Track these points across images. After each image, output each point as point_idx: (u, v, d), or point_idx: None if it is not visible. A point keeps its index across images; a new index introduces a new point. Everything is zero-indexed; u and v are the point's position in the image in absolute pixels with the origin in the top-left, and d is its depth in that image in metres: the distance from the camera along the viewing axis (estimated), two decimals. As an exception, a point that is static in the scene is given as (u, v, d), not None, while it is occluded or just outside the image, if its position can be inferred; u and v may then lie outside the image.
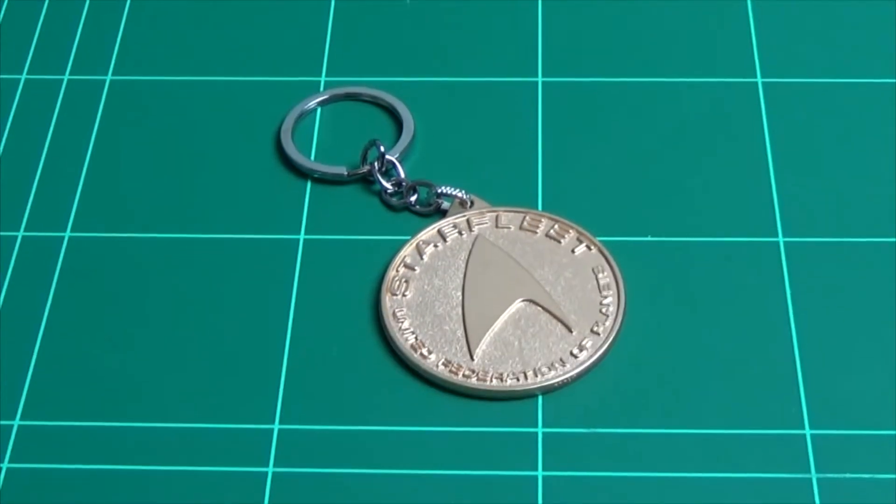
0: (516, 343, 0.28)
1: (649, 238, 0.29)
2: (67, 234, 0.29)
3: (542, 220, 0.29)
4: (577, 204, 0.30)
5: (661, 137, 0.31)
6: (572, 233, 0.29)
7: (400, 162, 0.30)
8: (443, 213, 0.30)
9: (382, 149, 0.30)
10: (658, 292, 0.28)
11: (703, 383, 0.27)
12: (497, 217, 0.30)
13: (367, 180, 0.30)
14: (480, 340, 0.28)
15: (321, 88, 0.32)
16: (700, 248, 0.29)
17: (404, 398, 0.27)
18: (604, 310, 0.28)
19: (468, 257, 0.29)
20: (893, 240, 0.29)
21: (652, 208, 0.30)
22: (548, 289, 0.28)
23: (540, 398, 0.27)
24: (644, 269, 0.29)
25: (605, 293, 0.28)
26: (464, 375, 0.27)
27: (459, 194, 0.30)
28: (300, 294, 0.29)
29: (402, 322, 0.28)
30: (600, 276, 0.28)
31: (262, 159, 0.31)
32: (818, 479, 0.25)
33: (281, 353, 0.28)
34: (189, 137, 0.31)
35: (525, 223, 0.29)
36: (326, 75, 0.32)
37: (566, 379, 0.27)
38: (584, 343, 0.27)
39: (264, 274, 0.29)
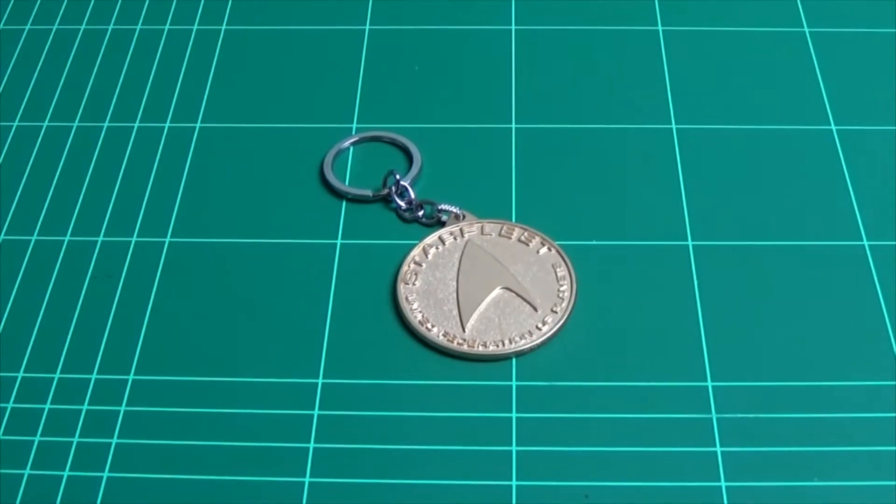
0: (496, 319, 0.28)
1: (594, 242, 0.29)
2: (168, 239, 0.29)
3: (515, 228, 0.29)
4: (541, 217, 0.30)
5: (603, 168, 0.31)
6: (538, 238, 0.29)
7: (411, 186, 0.30)
8: (443, 224, 0.30)
9: (398, 176, 0.30)
10: (600, 282, 0.28)
11: (632, 349, 0.27)
12: (482, 227, 0.30)
13: (386, 200, 0.30)
14: (470, 317, 0.28)
15: (353, 132, 0.32)
16: (630, 249, 0.29)
17: (413, 360, 0.27)
18: (561, 294, 0.28)
19: (461, 256, 0.29)
20: (779, 243, 0.28)
21: (597, 220, 0.30)
22: (520, 279, 0.28)
23: (514, 360, 0.27)
24: (590, 265, 0.29)
25: (561, 283, 0.28)
26: (458, 343, 0.27)
27: (455, 210, 0.30)
28: (338, 285, 0.28)
29: (413, 304, 0.28)
30: (558, 270, 0.29)
31: (310, 185, 0.31)
32: (717, 419, 0.25)
33: (323, 329, 0.28)
34: (256, 169, 0.31)
35: (503, 231, 0.29)
36: (357, 122, 0.32)
37: (533, 346, 0.27)
38: (546, 319, 0.28)
39: (311, 270, 0.29)
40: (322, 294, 0.28)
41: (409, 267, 0.29)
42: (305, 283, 0.29)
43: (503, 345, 0.27)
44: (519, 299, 0.28)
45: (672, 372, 0.26)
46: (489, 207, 0.30)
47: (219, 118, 0.32)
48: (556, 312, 0.28)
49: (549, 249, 0.29)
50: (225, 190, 0.31)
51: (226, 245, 0.29)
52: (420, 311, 0.28)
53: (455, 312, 0.28)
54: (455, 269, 0.29)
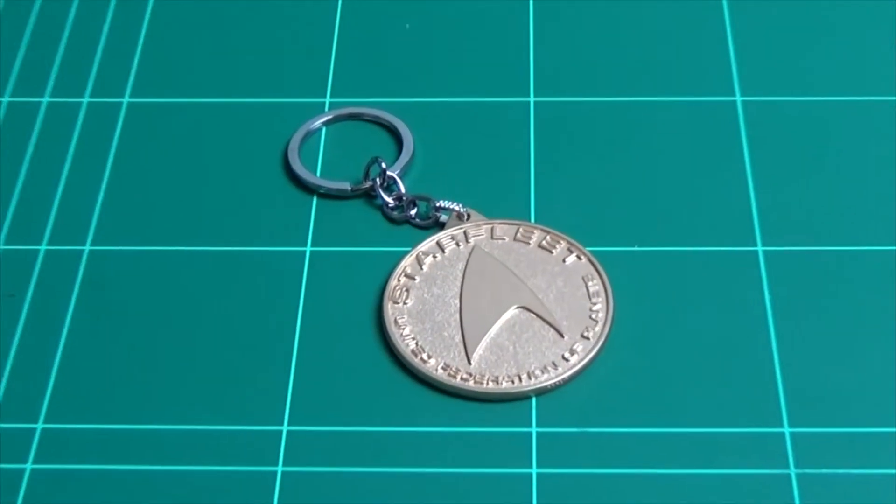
0: (511, 347, 0.28)
1: (636, 248, 0.29)
2: (87, 247, 0.29)
3: (535, 231, 0.30)
4: (567, 216, 0.30)
5: (646, 153, 0.31)
6: (563, 243, 0.29)
7: (400, 178, 0.30)
8: (441, 226, 0.30)
9: (384, 165, 0.30)
10: (644, 299, 0.29)
11: (687, 385, 0.27)
12: (492, 229, 0.30)
13: (369, 195, 0.31)
14: (477, 345, 0.28)
15: (326, 109, 0.32)
16: (683, 256, 0.29)
17: (405, 400, 0.27)
18: (593, 315, 0.28)
19: (465, 267, 0.29)
20: (866, 248, 0.29)
21: (639, 219, 0.30)
22: (540, 296, 0.28)
23: (534, 400, 0.27)
24: (631, 277, 0.29)
25: (594, 300, 0.28)
26: (462, 379, 0.27)
27: (457, 208, 0.30)
28: (307, 303, 0.29)
29: (404, 328, 0.28)
30: (590, 284, 0.29)
31: (271, 176, 0.31)
32: (797, 475, 0.25)
33: (289, 358, 0.28)
34: (202, 156, 0.31)
35: (519, 234, 0.30)
36: (331, 96, 0.32)
37: (558, 381, 0.27)
38: (574, 347, 0.28)
39: (273, 284, 0.29)
40: (286, 318, 0.28)
41: (398, 281, 0.29)
42: (265, 303, 0.29)
43: (520, 380, 0.27)
44: (540, 322, 0.28)
45: (738, 414, 0.27)
46: (501, 204, 0.30)
47: (152, 91, 0.32)
48: (587, 339, 0.28)
49: (579, 258, 0.29)
50: (160, 184, 0.31)
51: (160, 255, 0.29)
52: (413, 338, 0.28)
53: (458, 339, 0.28)
54: (458, 283, 0.29)
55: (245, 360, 0.28)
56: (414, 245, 0.30)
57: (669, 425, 0.26)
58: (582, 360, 0.28)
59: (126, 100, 0.32)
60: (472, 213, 0.30)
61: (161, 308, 0.29)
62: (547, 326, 0.28)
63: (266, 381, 0.27)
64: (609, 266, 0.29)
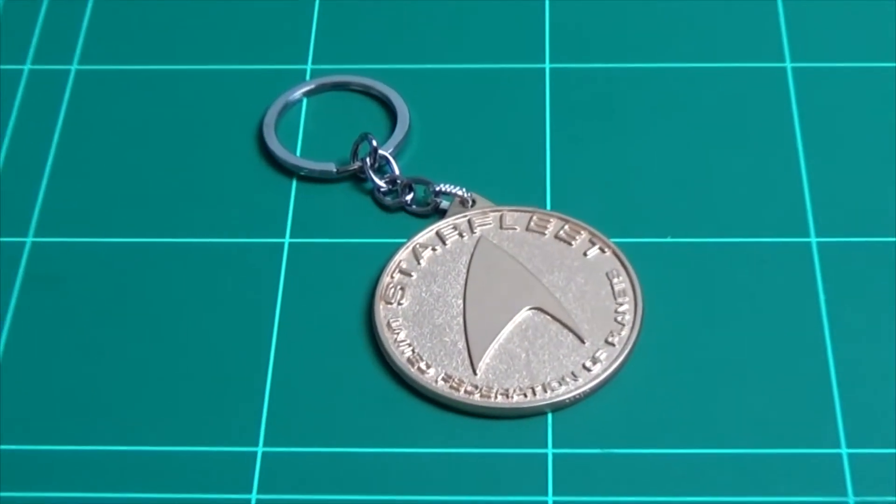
0: (523, 355, 0.28)
1: (669, 239, 0.29)
2: (30, 238, 0.29)
3: (551, 220, 0.29)
4: (589, 202, 0.30)
5: (681, 128, 0.31)
6: (584, 234, 0.29)
7: (394, 157, 0.30)
8: (441, 214, 0.30)
9: (375, 143, 0.30)
10: (679, 299, 0.28)
11: (729, 398, 0.27)
12: (501, 217, 0.30)
13: (357, 178, 0.31)
14: (484, 353, 0.28)
15: (307, 77, 0.32)
16: (724, 249, 0.29)
17: (400, 417, 0.27)
18: (619, 318, 0.28)
19: (470, 261, 0.29)
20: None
21: (672, 206, 0.30)
22: (558, 295, 0.28)
23: (549, 416, 0.27)
24: (663, 273, 0.29)
25: (620, 300, 0.28)
26: (466, 391, 0.27)
27: (460, 192, 0.30)
28: (285, 303, 0.29)
29: (398, 333, 0.28)
30: (615, 281, 0.29)
31: (242, 155, 0.31)
32: (856, 504, 0.26)
33: (265, 368, 0.28)
34: (162, 133, 0.31)
35: (532, 224, 0.29)
36: (313, 63, 0.32)
37: (578, 394, 0.27)
38: (597, 355, 0.28)
39: (245, 282, 0.29)
40: (261, 321, 0.28)
41: (392, 278, 0.29)
42: (235, 305, 0.29)
43: (534, 394, 0.27)
44: (557, 325, 0.28)
45: (787, 433, 0.26)
46: (511, 188, 0.30)
47: (104, 57, 0.32)
48: (612, 345, 0.28)
49: (603, 250, 0.29)
50: (113, 166, 0.31)
51: (112, 248, 0.29)
52: (409, 345, 0.28)
53: (462, 345, 0.28)
54: (461, 280, 0.29)
55: (212, 372, 0.28)
56: (410, 236, 0.29)
57: (707, 445, 0.26)
58: (606, 369, 0.27)
59: (74, 67, 0.32)
60: (478, 198, 0.30)
61: (113, 309, 0.29)
62: (565, 331, 0.28)
63: (237, 395, 0.27)
64: (637, 260, 0.29)
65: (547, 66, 0.32)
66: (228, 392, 0.27)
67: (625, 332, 0.28)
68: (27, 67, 0.32)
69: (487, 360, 0.28)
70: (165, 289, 0.29)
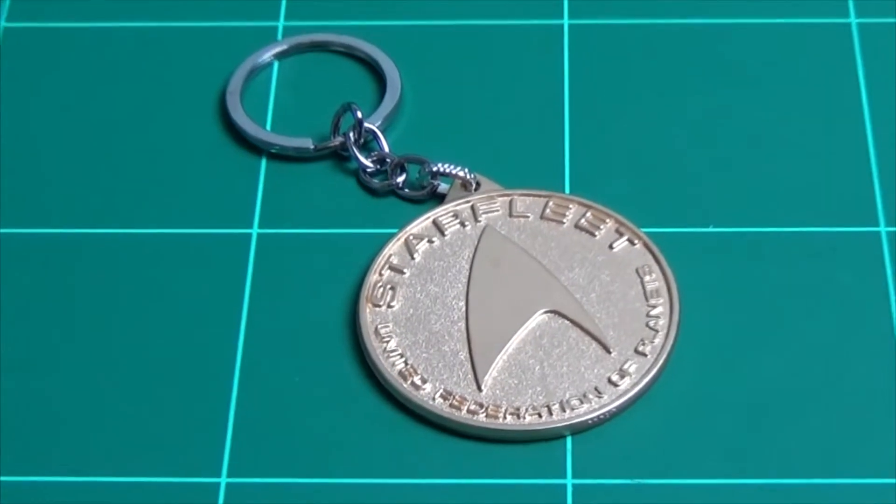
0: (537, 368, 0.28)
1: (711, 229, 0.29)
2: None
3: (571, 206, 0.29)
4: (616, 185, 0.30)
5: (725, 96, 0.31)
6: (610, 223, 0.29)
7: (382, 132, 0.30)
8: (440, 199, 0.30)
9: (360, 115, 0.30)
10: (723, 300, 0.28)
11: (783, 419, 0.27)
12: (511, 202, 0.30)
13: (339, 156, 0.31)
14: (490, 365, 0.28)
15: (279, 37, 0.32)
16: (777, 241, 0.29)
17: (390, 441, 0.27)
18: (652, 323, 0.28)
19: (473, 256, 0.29)
20: None
21: (715, 190, 0.30)
22: (578, 296, 0.28)
23: (569, 440, 0.27)
24: (704, 269, 0.29)
25: (653, 301, 0.28)
26: (469, 411, 0.27)
27: (461, 173, 0.30)
28: (252, 308, 0.29)
29: (388, 341, 0.28)
30: (647, 279, 0.29)
31: (201, 129, 0.31)
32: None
33: (228, 385, 0.28)
34: (105, 102, 0.31)
35: (548, 210, 0.29)
36: (286, 19, 0.32)
37: (603, 414, 0.27)
38: (626, 367, 0.27)
39: (204, 282, 0.29)
40: (225, 328, 0.28)
41: (380, 276, 0.29)
42: (194, 307, 0.29)
43: (550, 413, 0.27)
44: (577, 331, 0.28)
45: (851, 461, 0.26)
46: (522, 168, 0.30)
47: (36, 13, 0.32)
48: (643, 355, 0.28)
49: (632, 242, 0.29)
50: (50, 143, 0.31)
51: (52, 240, 0.29)
52: (402, 355, 0.28)
53: (464, 356, 0.28)
54: (463, 278, 0.29)
55: (167, 392, 0.28)
56: (402, 226, 0.29)
57: (757, 475, 0.26)
58: (636, 384, 0.27)
59: (1, 24, 0.32)
60: (483, 180, 0.30)
61: (53, 310, 0.29)
62: (587, 338, 0.28)
63: (196, 417, 0.27)
64: (673, 254, 0.29)
65: (566, 21, 0.32)
66: (185, 413, 0.27)
67: (658, 340, 0.28)
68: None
69: (494, 374, 0.28)
70: (107, 291, 0.29)
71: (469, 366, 0.28)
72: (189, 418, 0.27)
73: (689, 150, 0.30)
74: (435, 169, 0.30)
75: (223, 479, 0.26)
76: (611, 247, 0.29)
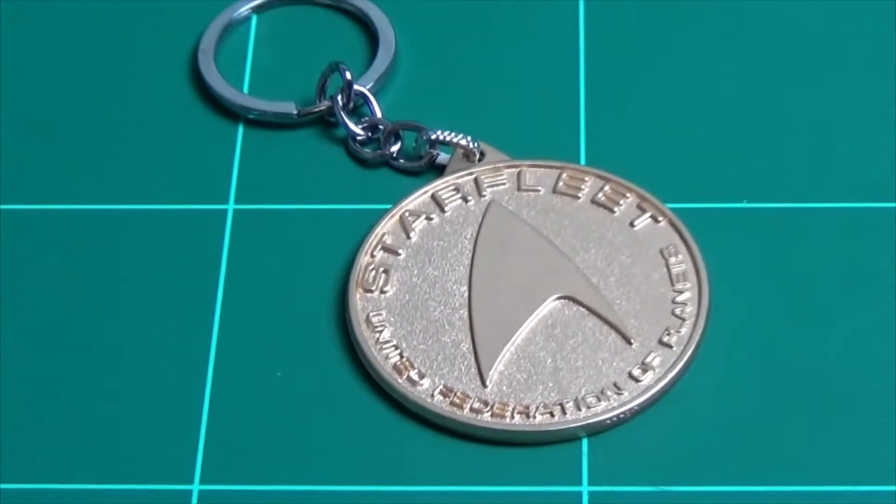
0: (549, 361, 0.28)
1: (745, 204, 0.29)
2: None
3: (587, 178, 0.29)
4: (637, 155, 0.30)
5: (759, 55, 0.31)
6: (631, 197, 0.29)
7: (375, 95, 0.30)
8: (439, 170, 0.30)
9: (349, 76, 0.30)
10: (757, 284, 0.28)
11: (822, 418, 0.27)
12: (519, 174, 0.30)
13: (326, 122, 0.31)
14: (496, 358, 0.28)
15: None
16: (820, 217, 0.29)
17: (384, 442, 0.27)
18: (678, 311, 0.28)
19: (477, 235, 0.29)
20: None
21: (749, 160, 0.30)
22: (595, 280, 0.28)
23: (585, 442, 0.27)
24: (737, 249, 0.29)
25: (679, 286, 0.28)
26: (472, 409, 0.27)
27: (463, 142, 0.30)
28: (228, 292, 0.29)
29: (381, 331, 0.28)
30: (672, 261, 0.29)
31: (171, 93, 0.31)
32: None
33: (201, 381, 0.28)
34: (68, 63, 0.32)
35: (561, 183, 0.29)
36: None
37: (623, 413, 0.27)
38: (649, 360, 0.27)
39: (175, 264, 0.29)
40: (198, 316, 0.29)
41: (372, 257, 0.29)
42: (163, 292, 0.29)
43: (563, 412, 0.27)
44: (594, 320, 0.28)
45: (894, 464, 0.26)
46: (532, 136, 0.30)
47: None
48: (668, 346, 0.28)
49: (656, 219, 0.29)
50: (4, 108, 0.31)
51: (10, 216, 0.30)
52: (396, 347, 0.28)
53: (466, 347, 0.28)
54: (465, 260, 0.29)
55: (133, 389, 0.28)
56: (396, 201, 0.29)
57: (794, 481, 0.26)
58: (660, 379, 0.27)
59: None
60: (488, 149, 0.30)
61: (9, 295, 0.29)
62: (605, 327, 0.28)
63: (166, 416, 0.27)
64: (703, 233, 0.29)
65: (580, -29, 0.30)
66: (154, 415, 0.27)
67: (685, 330, 0.28)
68: None
69: (501, 368, 0.28)
70: (73, 271, 0.29)
71: (472, 359, 0.28)
72: (158, 419, 0.27)
73: (721, 115, 0.30)
74: (434, 137, 0.30)
75: (195, 486, 0.27)
76: (632, 224, 0.29)
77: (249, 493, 0.26)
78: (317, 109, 0.30)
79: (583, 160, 0.30)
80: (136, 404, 0.27)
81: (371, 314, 0.28)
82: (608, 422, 0.27)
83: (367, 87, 0.30)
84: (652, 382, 0.27)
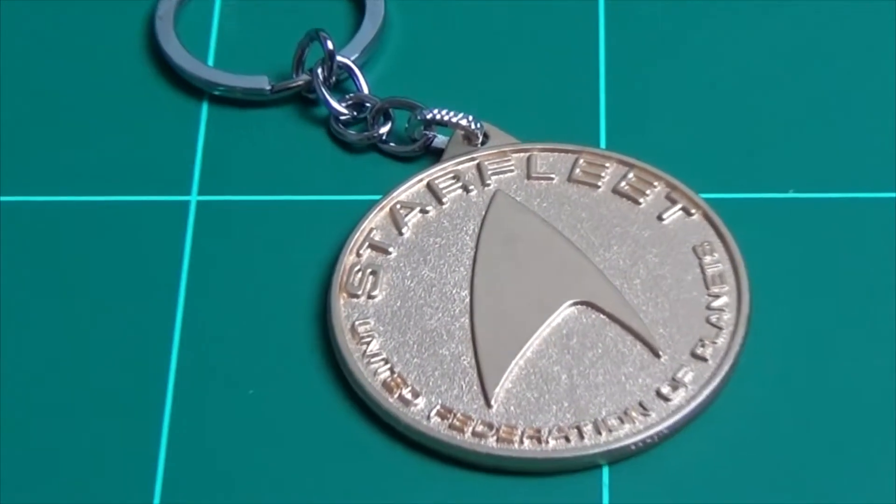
0: (564, 377, 0.27)
1: (791, 194, 0.29)
2: None
3: (608, 164, 0.29)
4: (665, 137, 0.30)
5: (809, 19, 0.31)
6: (659, 187, 0.29)
7: (360, 68, 0.30)
8: (436, 156, 0.30)
9: (331, 45, 0.30)
10: (806, 287, 0.29)
11: (877, 440, 0.27)
12: (529, 160, 0.30)
13: (304, 99, 0.31)
14: (503, 373, 0.28)
15: None
16: (879, 209, 0.29)
17: (373, 471, 0.27)
18: (714, 318, 0.28)
19: (480, 230, 0.29)
20: None
21: (794, 143, 0.30)
22: (618, 283, 0.28)
23: (605, 471, 0.27)
24: (782, 247, 0.29)
25: (715, 290, 0.28)
26: (475, 433, 0.27)
27: (464, 122, 0.30)
28: (191, 298, 0.29)
29: (369, 342, 0.28)
30: (707, 260, 0.28)
31: (125, 66, 0.31)
32: None
33: (160, 402, 0.28)
34: (8, 31, 0.32)
35: (578, 171, 0.29)
36: None
37: (650, 437, 0.27)
38: (680, 376, 0.27)
39: (130, 264, 0.29)
40: (156, 322, 0.29)
41: (358, 257, 0.29)
42: (116, 296, 0.29)
43: (581, 436, 0.27)
44: (616, 329, 0.28)
45: None
46: (544, 115, 0.30)
47: None
48: (702, 360, 0.28)
49: (688, 212, 0.29)
50: None
51: None
52: (387, 360, 0.28)
53: (468, 361, 0.28)
54: (467, 259, 0.29)
55: (84, 401, 0.28)
56: (386, 191, 0.29)
57: None
58: (693, 398, 0.27)
59: None
60: (493, 130, 0.30)
61: None
62: (629, 338, 0.28)
63: (122, 444, 0.27)
64: (742, 228, 0.29)
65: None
66: (110, 443, 0.28)
67: (722, 341, 0.28)
68: None
69: (508, 385, 0.27)
70: (14, 268, 0.29)
71: (475, 374, 0.28)
72: (113, 448, 0.27)
73: (763, 90, 0.31)
74: (429, 116, 0.29)
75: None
76: (660, 218, 0.29)
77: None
78: (293, 84, 0.30)
79: (603, 143, 0.30)
80: (91, 434, 0.27)
81: (357, 323, 0.28)
82: (632, 447, 0.27)
83: (352, 58, 0.30)
84: (683, 402, 0.27)
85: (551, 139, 0.30)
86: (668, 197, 0.29)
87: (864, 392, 0.27)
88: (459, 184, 0.29)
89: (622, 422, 0.27)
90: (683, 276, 0.28)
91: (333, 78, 0.30)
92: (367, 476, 0.27)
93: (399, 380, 0.27)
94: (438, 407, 0.27)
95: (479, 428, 0.27)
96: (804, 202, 0.29)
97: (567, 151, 0.29)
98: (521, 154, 0.29)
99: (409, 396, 0.27)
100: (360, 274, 0.28)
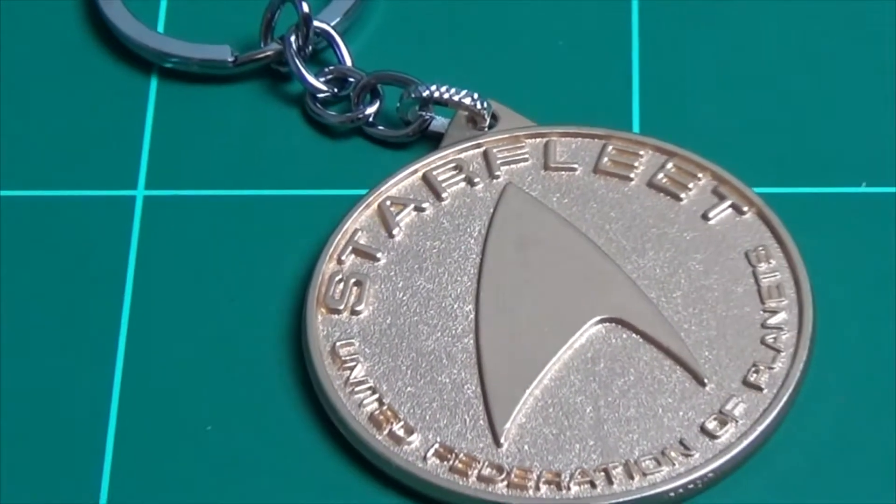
0: (589, 409, 0.27)
1: (863, 188, 0.29)
2: None
3: (643, 152, 0.29)
4: (710, 121, 0.30)
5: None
6: (704, 179, 0.29)
7: (342, 35, 0.30)
8: (434, 141, 0.30)
9: (306, 8, 0.30)
10: (879, 301, 0.29)
11: None
12: (547, 147, 0.30)
13: (275, 73, 0.31)
14: (515, 405, 0.27)
15: None
16: None
17: None
18: (770, 339, 0.28)
19: (488, 231, 0.29)
20: None
21: (865, 129, 0.30)
22: (654, 296, 0.28)
23: None
24: (853, 253, 0.29)
25: (771, 304, 0.28)
26: (481, 477, 0.27)
27: (467, 101, 0.30)
28: (137, 310, 0.29)
29: (353, 367, 0.28)
30: (762, 267, 0.28)
31: (62, 35, 0.32)
32: None
33: (102, 429, 0.28)
34: None
35: (606, 160, 0.29)
36: None
37: (693, 482, 0.27)
38: (729, 408, 0.27)
39: (68, 269, 0.29)
40: (97, 343, 0.29)
41: (340, 263, 0.29)
42: (52, 302, 0.29)
43: (609, 480, 0.27)
44: (652, 350, 0.28)
45: None
46: (565, 94, 0.30)
47: None
48: (756, 388, 0.27)
49: (739, 210, 0.29)
50: None
51: None
52: (375, 390, 0.28)
53: (473, 391, 0.28)
54: (472, 267, 0.29)
55: (16, 430, 0.28)
56: (374, 184, 0.29)
57: None
58: (745, 435, 0.27)
59: None
60: (502, 111, 0.30)
61: None
62: (668, 362, 0.28)
63: (64, 470, 0.28)
64: (804, 229, 0.29)
65: None
66: (49, 476, 0.28)
67: (780, 366, 0.27)
68: None
69: (521, 419, 0.27)
70: None
71: (481, 406, 0.27)
72: (52, 484, 0.27)
73: (829, 67, 0.31)
74: (426, 94, 0.29)
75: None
76: (706, 217, 0.29)
77: None
78: (261, 55, 0.30)
79: (636, 127, 0.30)
80: (31, 459, 0.27)
81: (338, 344, 0.28)
82: (671, 494, 0.26)
83: (332, 23, 0.30)
84: (733, 439, 0.27)
85: (573, 122, 0.30)
86: (714, 191, 0.29)
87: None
88: (462, 175, 0.29)
89: (659, 464, 0.26)
90: (733, 288, 0.28)
91: (310, 47, 0.30)
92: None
93: (389, 413, 0.27)
94: (437, 445, 0.27)
95: (487, 471, 0.27)
96: (879, 198, 0.29)
97: (593, 137, 0.29)
98: (537, 140, 0.29)
99: (401, 433, 0.27)
100: (341, 285, 0.28)
